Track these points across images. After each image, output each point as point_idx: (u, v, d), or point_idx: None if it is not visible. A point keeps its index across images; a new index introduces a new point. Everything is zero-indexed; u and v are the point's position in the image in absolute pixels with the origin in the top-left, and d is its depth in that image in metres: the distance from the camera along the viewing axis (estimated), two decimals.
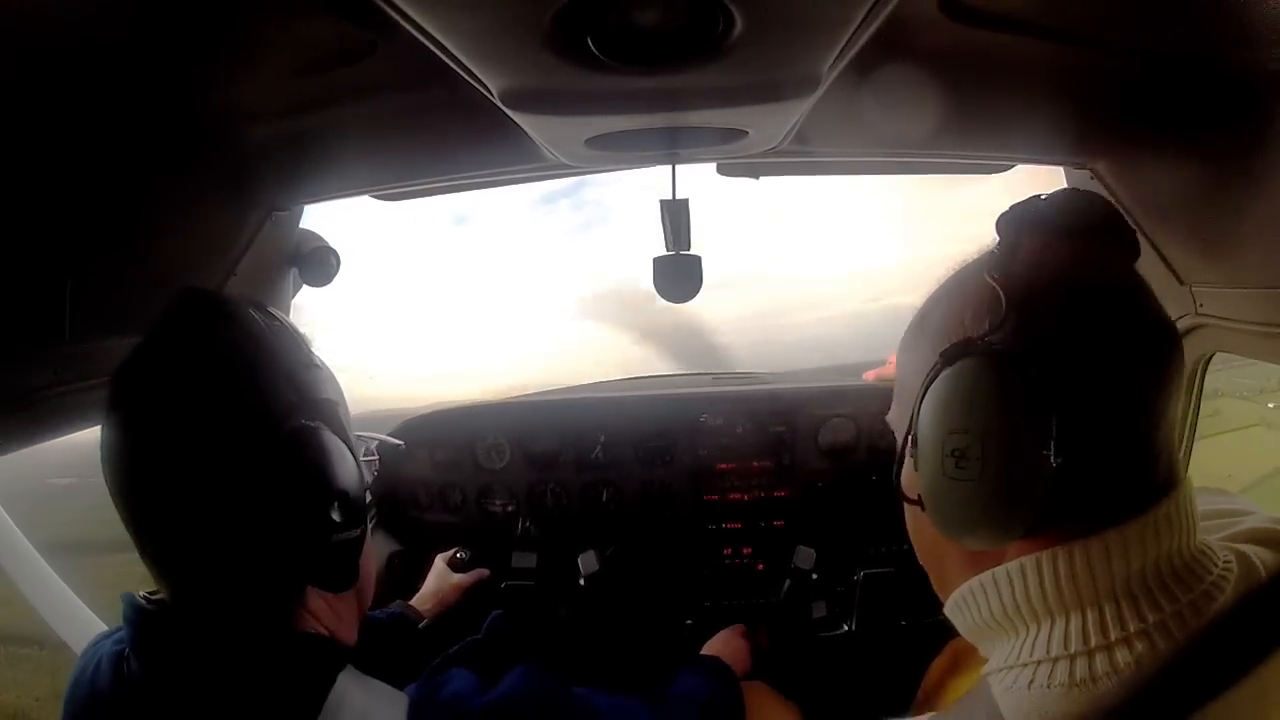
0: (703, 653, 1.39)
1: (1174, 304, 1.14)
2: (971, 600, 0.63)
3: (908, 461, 0.64)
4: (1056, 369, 0.55)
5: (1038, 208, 0.65)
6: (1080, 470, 0.55)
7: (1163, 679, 0.50)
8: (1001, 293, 0.58)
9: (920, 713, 1.00)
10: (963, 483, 0.57)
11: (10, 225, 0.81)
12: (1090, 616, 0.56)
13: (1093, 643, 0.55)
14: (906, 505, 0.69)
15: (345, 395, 0.83)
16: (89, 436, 0.98)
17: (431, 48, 0.64)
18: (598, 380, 2.14)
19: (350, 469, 0.75)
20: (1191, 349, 1.18)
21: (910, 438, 0.62)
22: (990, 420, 0.56)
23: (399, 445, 1.56)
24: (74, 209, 0.90)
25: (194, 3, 0.71)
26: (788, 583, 1.64)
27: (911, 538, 0.73)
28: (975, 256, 0.66)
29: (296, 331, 0.79)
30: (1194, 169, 1.01)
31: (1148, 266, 1.14)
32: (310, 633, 0.75)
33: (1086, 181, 1.22)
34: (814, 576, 1.62)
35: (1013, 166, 1.34)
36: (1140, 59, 0.89)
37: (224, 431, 0.68)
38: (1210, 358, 1.21)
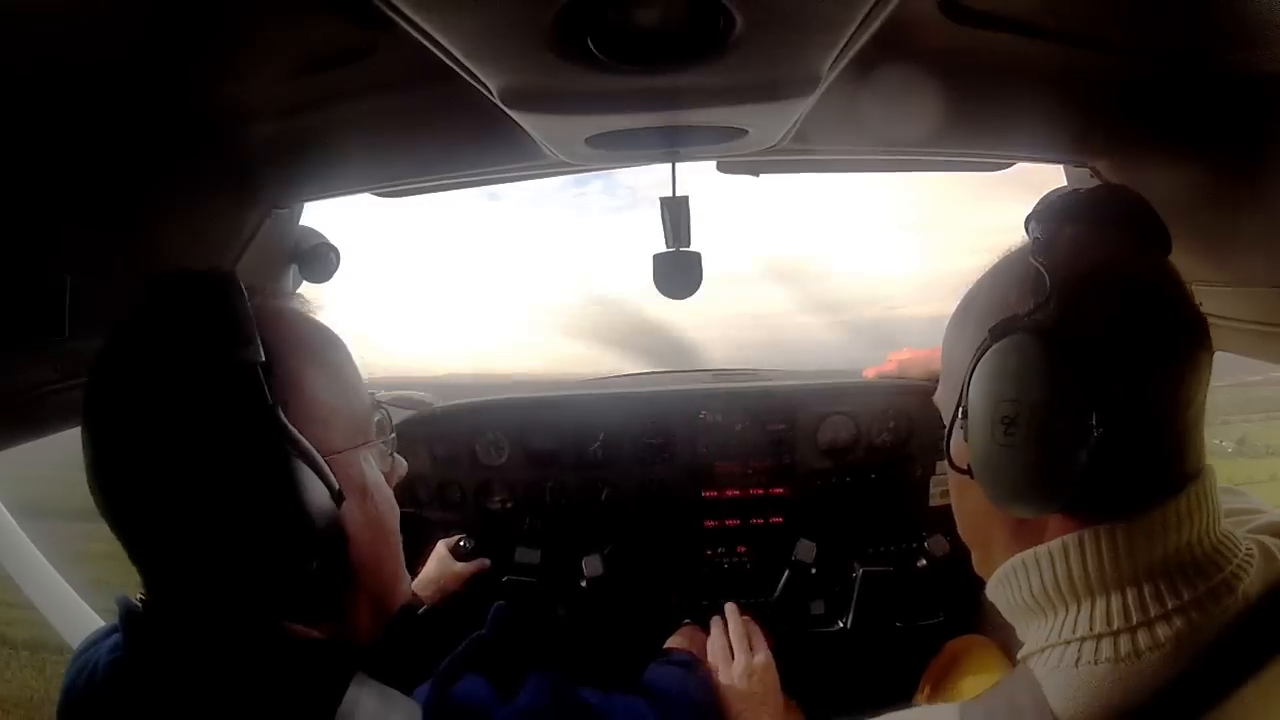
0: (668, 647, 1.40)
1: None
2: (1014, 577, 0.67)
3: (957, 434, 0.68)
4: (1095, 349, 0.59)
5: (1075, 199, 0.68)
6: (1115, 450, 0.58)
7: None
8: (1046, 274, 0.61)
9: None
10: (1010, 449, 0.61)
11: (11, 222, 0.81)
12: (1130, 594, 0.60)
13: (1134, 619, 0.59)
14: (954, 480, 0.74)
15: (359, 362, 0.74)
16: None
17: (431, 47, 0.64)
18: (598, 376, 2.14)
19: (319, 497, 0.64)
20: None
21: (960, 410, 0.66)
22: (1035, 390, 0.60)
23: (430, 403, 1.52)
24: (74, 206, 0.90)
25: (194, 2, 0.71)
26: (785, 574, 1.64)
27: (957, 515, 0.77)
28: (1018, 246, 0.70)
29: (296, 319, 0.70)
30: (1194, 168, 1.01)
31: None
32: (311, 638, 0.67)
33: (1086, 180, 1.22)
34: (813, 570, 1.62)
35: (1012, 165, 1.34)
36: (1140, 59, 0.89)
37: (180, 442, 0.61)
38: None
